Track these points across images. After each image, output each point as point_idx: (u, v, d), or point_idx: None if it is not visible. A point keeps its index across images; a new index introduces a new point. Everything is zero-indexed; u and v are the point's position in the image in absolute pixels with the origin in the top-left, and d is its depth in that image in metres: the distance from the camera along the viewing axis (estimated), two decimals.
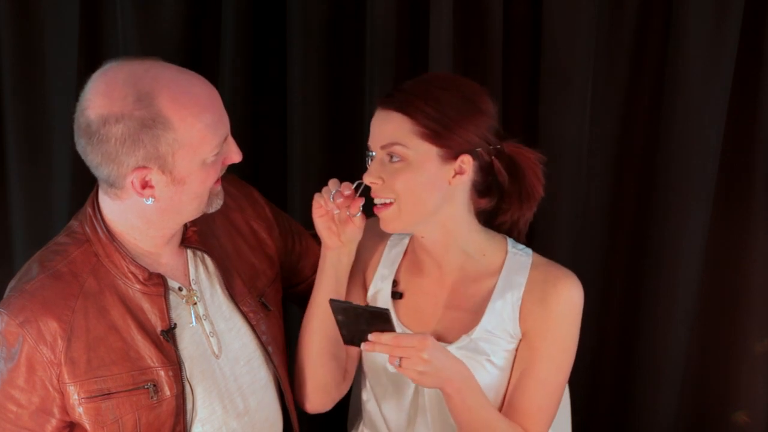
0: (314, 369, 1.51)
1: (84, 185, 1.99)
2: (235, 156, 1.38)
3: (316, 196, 1.44)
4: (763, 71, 1.74)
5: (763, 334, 1.88)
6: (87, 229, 1.38)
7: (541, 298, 1.42)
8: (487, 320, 1.43)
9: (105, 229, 1.37)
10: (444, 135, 1.36)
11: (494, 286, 1.45)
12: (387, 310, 1.30)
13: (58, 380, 1.32)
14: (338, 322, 1.33)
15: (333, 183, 1.44)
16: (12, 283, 1.38)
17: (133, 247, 1.39)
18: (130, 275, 1.37)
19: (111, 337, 1.34)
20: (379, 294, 1.52)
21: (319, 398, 1.53)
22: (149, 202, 1.33)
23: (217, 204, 1.41)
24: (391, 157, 1.37)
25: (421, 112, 1.35)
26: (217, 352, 1.44)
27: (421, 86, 1.39)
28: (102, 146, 1.27)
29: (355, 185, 1.42)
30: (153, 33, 1.89)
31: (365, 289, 1.55)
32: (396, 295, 1.50)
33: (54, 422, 1.34)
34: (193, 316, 1.42)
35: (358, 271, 1.54)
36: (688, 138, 1.76)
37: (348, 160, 1.95)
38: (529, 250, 1.50)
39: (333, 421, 1.78)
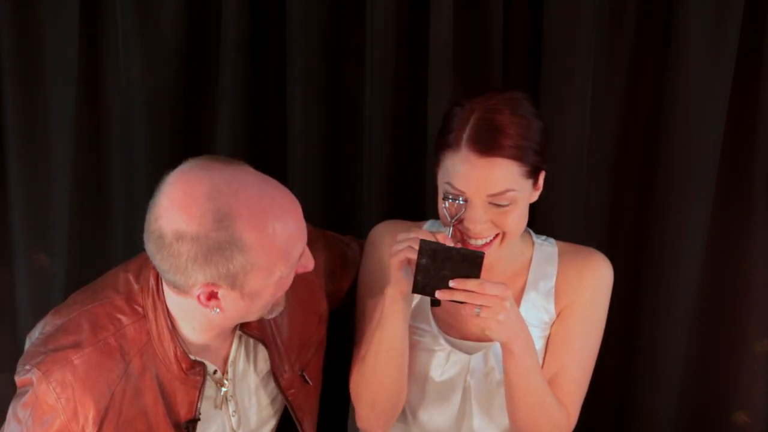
0: (396, 404, 1.48)
1: (84, 185, 2.00)
2: (309, 264, 1.32)
3: (405, 250, 1.33)
4: (763, 71, 1.74)
5: (763, 334, 1.88)
6: (148, 304, 1.33)
7: (576, 275, 1.48)
8: (524, 312, 1.46)
9: (166, 313, 1.32)
10: (541, 165, 1.39)
11: (526, 279, 1.49)
12: (482, 253, 1.29)
13: None
14: (419, 266, 1.29)
15: (424, 233, 1.34)
16: (56, 322, 1.33)
17: (186, 333, 1.35)
18: (173, 360, 1.33)
19: (139, 420, 1.33)
20: (416, 304, 1.49)
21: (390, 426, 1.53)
22: (214, 313, 1.28)
23: (278, 311, 1.36)
24: (498, 199, 1.34)
25: (526, 154, 1.34)
26: (235, 427, 1.43)
27: (509, 120, 1.34)
28: (172, 259, 1.21)
29: (448, 233, 1.36)
30: (153, 33, 1.89)
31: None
32: (435, 302, 1.46)
33: None
34: (224, 398, 1.40)
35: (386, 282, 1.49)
36: (688, 138, 1.76)
37: (348, 161, 1.95)
38: (552, 239, 1.54)
39: (336, 419, 1.78)
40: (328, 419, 1.83)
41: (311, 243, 1.38)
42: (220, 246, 1.18)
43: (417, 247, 1.30)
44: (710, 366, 1.94)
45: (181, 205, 1.18)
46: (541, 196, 1.47)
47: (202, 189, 1.18)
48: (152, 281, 1.33)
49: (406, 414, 1.54)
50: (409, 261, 1.34)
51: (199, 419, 1.36)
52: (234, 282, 1.22)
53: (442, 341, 1.48)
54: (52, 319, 1.36)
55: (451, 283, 1.29)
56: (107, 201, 2.03)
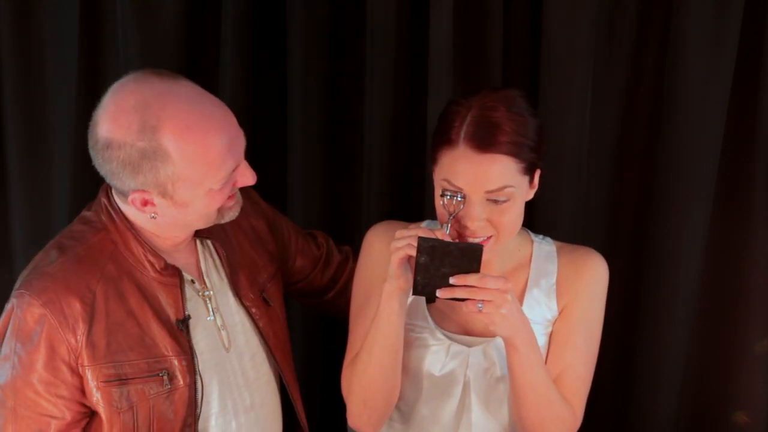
0: (388, 402, 1.48)
1: (84, 185, 1.99)
2: (248, 179, 1.37)
3: (406, 247, 1.33)
4: (763, 71, 1.74)
5: (763, 334, 1.88)
6: (103, 218, 1.39)
7: (574, 274, 1.49)
8: (527, 309, 1.47)
9: (123, 218, 1.38)
10: (537, 162, 1.38)
11: (528, 276, 1.50)
12: (481, 245, 1.29)
13: (77, 363, 1.32)
14: (418, 266, 1.29)
15: (422, 230, 1.33)
16: (26, 272, 1.37)
17: (149, 237, 1.40)
18: (146, 264, 1.38)
19: (128, 323, 1.35)
20: (412, 301, 1.49)
21: (382, 424, 1.53)
22: (152, 217, 1.34)
23: (231, 216, 1.41)
24: (496, 195, 1.34)
25: (522, 150, 1.34)
26: (227, 345, 1.45)
27: (505, 117, 1.34)
28: (106, 164, 1.29)
29: (446, 229, 1.35)
30: (153, 34, 1.89)
31: None
32: (430, 298, 1.46)
33: (74, 407, 1.34)
34: (210, 309, 1.44)
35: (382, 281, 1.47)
36: (688, 138, 1.76)
37: (348, 161, 1.95)
38: (549, 238, 1.55)
39: (336, 415, 1.78)
40: (328, 419, 1.84)
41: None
42: (145, 155, 1.26)
43: (416, 244, 1.30)
44: (710, 366, 1.94)
45: (111, 116, 1.27)
46: (540, 196, 1.47)
47: (132, 101, 1.27)
48: (104, 200, 1.40)
49: (405, 410, 1.54)
50: (409, 258, 1.34)
51: (189, 317, 1.40)
52: (164, 191, 1.30)
53: (440, 335, 1.49)
54: (21, 276, 1.39)
55: (452, 280, 1.29)
56: None
